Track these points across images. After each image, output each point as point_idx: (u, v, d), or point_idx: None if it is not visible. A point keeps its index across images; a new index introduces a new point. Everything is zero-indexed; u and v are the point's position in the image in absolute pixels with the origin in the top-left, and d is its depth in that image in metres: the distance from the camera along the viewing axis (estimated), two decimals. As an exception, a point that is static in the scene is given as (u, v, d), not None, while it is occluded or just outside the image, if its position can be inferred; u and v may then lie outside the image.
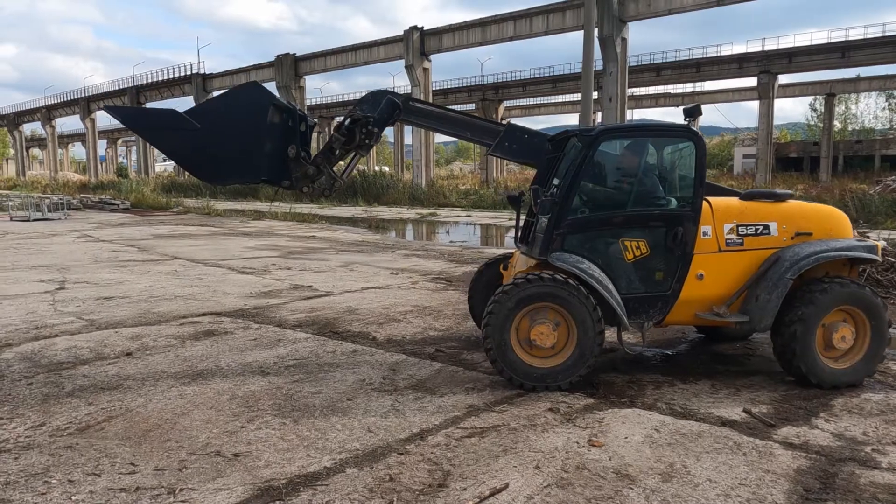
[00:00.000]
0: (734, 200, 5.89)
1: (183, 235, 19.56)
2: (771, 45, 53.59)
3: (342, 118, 6.40)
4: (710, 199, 5.67)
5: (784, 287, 5.32)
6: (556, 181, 5.92)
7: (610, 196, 5.91)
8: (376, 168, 63.49)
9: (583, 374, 5.30)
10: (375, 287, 10.57)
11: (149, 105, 71.39)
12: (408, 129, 71.05)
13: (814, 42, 51.81)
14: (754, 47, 54.72)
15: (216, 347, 6.73)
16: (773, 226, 5.65)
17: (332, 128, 6.97)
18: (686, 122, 5.76)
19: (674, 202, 5.66)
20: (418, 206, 34.91)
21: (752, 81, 59.95)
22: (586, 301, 5.17)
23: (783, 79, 59.20)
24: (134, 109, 5.91)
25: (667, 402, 5.10)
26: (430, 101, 47.92)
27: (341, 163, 6.65)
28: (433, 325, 7.83)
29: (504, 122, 6.70)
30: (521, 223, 6.55)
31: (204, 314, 8.38)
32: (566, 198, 5.48)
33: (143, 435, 4.41)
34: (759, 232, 5.64)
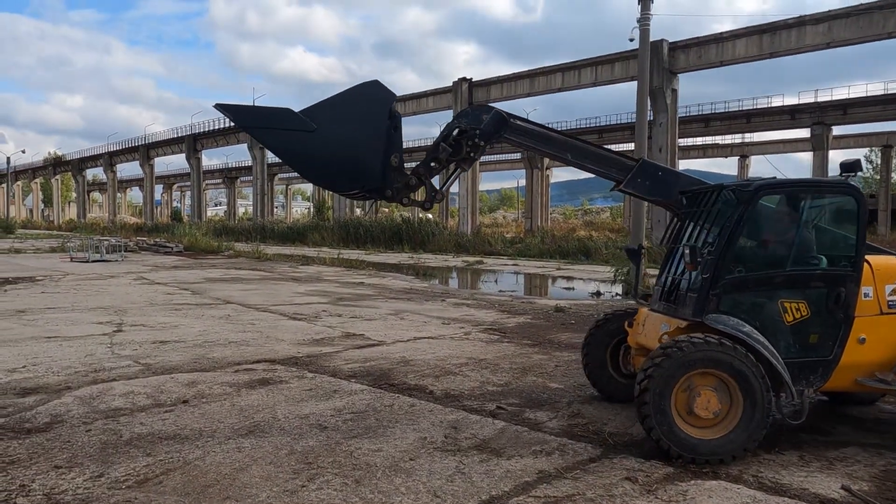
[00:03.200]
0: (894, 259, 5.62)
1: (234, 279, 19.82)
2: (824, 97, 52.74)
3: (442, 131, 6.08)
4: (868, 258, 5.40)
5: None
6: (707, 238, 5.61)
7: (767, 255, 5.66)
8: (420, 215, 64.19)
9: (752, 447, 4.92)
10: (428, 337, 10.37)
11: (204, 152, 74.04)
12: (453, 177, 71.68)
13: (869, 93, 50.80)
14: (806, 98, 53.96)
15: (272, 397, 6.60)
16: None
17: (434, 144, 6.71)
18: (845, 178, 5.52)
19: (830, 261, 5.40)
20: (464, 254, 34.85)
21: (803, 133, 58.98)
22: (755, 368, 4.84)
23: (837, 130, 57.97)
24: (247, 107, 5.62)
25: (753, 474, 4.71)
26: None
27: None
28: (490, 380, 7.56)
29: (637, 158, 6.45)
30: (641, 278, 6.32)
31: (258, 361, 8.30)
32: (723, 256, 5.22)
33: (202, 491, 4.25)
34: None
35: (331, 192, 65.60)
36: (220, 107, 5.43)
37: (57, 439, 5.22)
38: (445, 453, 5.05)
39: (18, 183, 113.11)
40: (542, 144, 6.25)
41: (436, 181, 6.16)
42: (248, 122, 5.67)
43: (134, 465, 4.67)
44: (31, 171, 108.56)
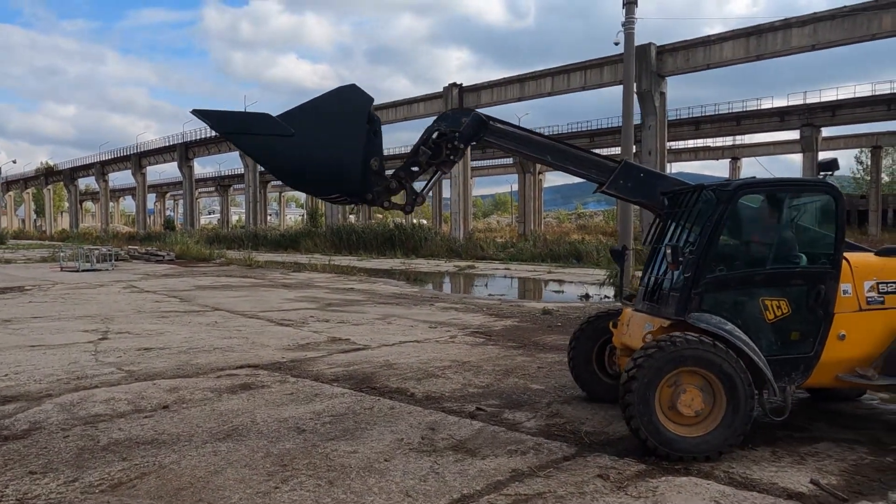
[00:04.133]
0: (871, 256, 5.69)
1: (224, 287, 19.80)
2: (813, 99, 53.12)
3: (422, 134, 6.11)
4: (847, 255, 5.47)
5: None
6: (689, 238, 5.66)
7: (747, 253, 5.74)
8: (414, 220, 64.18)
9: (735, 444, 4.97)
10: (413, 341, 10.40)
11: (196, 160, 73.94)
12: (446, 182, 71.88)
13: (858, 94, 51.21)
14: (796, 100, 54.37)
15: (252, 402, 6.61)
16: None
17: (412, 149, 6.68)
18: (823, 176, 5.61)
19: (810, 259, 5.47)
20: (456, 259, 34.90)
21: (793, 134, 59.34)
22: (737, 365, 4.89)
23: (826, 132, 58.40)
24: (225, 113, 5.49)
25: (724, 469, 4.75)
26: (469, 153, 48.48)
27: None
28: (472, 382, 7.59)
29: (619, 159, 6.50)
30: (625, 279, 6.38)
31: (241, 367, 8.31)
32: (704, 255, 5.28)
33: (175, 494, 4.27)
34: None
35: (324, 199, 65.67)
36: (197, 112, 5.41)
37: (34, 446, 5.23)
38: (421, 454, 5.08)
39: (10, 193, 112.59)
40: (522, 147, 6.30)
41: (433, 185, 6.20)
42: (226, 127, 5.61)
43: (109, 470, 4.69)
44: (22, 182, 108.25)
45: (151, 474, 4.62)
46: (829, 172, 5.70)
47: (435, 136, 5.98)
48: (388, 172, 5.87)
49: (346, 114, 5.51)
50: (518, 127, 6.49)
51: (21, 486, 4.41)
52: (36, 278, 22.23)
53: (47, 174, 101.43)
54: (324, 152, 5.44)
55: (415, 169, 6.02)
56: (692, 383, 4.95)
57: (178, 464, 4.82)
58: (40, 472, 4.67)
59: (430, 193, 6.42)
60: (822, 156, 56.12)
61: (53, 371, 7.94)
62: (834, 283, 5.32)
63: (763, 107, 55.87)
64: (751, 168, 76.66)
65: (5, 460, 4.89)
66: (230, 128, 5.59)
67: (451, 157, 5.97)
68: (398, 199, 6.02)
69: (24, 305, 14.76)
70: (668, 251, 5.21)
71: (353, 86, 5.70)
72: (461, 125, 5.95)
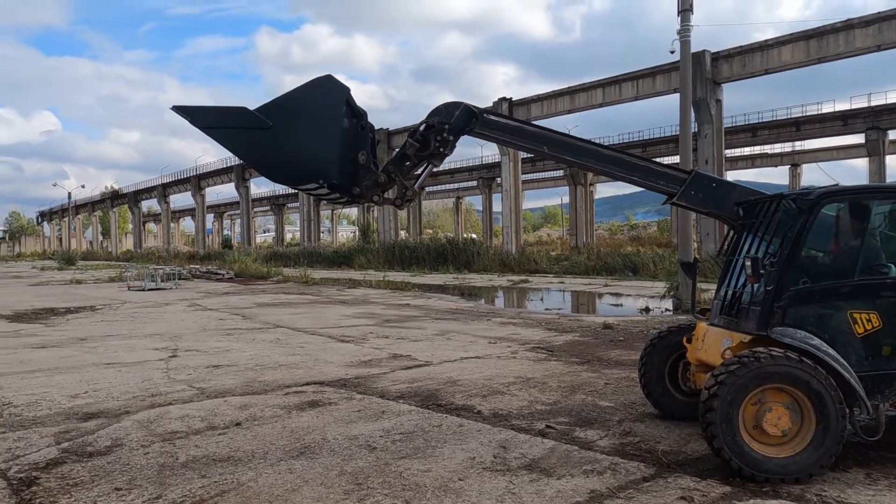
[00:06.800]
0: None
1: (283, 304, 20.18)
2: (878, 101, 51.01)
3: (416, 126, 6.00)
4: None
5: None
6: (768, 249, 5.48)
7: (833, 264, 5.53)
8: (465, 235, 64.13)
9: (826, 466, 4.74)
10: (474, 357, 10.34)
11: (252, 181, 75.93)
12: (497, 195, 71.74)
13: (928, 95, 48.89)
14: (859, 103, 52.30)
15: (321, 419, 6.67)
16: None
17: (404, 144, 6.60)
18: None
19: None
20: (509, 273, 34.70)
21: (857, 138, 57.07)
22: (826, 382, 4.68)
23: (893, 134, 55.86)
24: (202, 108, 5.55)
25: (817, 493, 4.52)
26: (520, 167, 48.35)
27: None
28: (539, 399, 7.48)
29: (689, 169, 6.32)
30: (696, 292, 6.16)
31: (307, 383, 8.41)
32: (786, 267, 5.10)
33: (256, 512, 4.31)
34: None
35: (376, 216, 66.32)
36: (176, 109, 5.44)
37: (117, 462, 5.38)
38: (495, 473, 5.01)
39: (79, 216, 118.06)
40: (516, 138, 6.11)
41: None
42: (204, 122, 5.55)
43: (190, 487, 4.78)
44: (90, 205, 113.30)
45: (231, 492, 4.69)
46: None
47: (422, 128, 5.87)
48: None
49: (321, 105, 5.47)
50: (512, 118, 6.36)
51: (108, 502, 4.53)
52: (106, 297, 23.14)
53: (113, 197, 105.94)
54: (300, 143, 5.41)
55: (407, 163, 5.88)
56: (778, 401, 4.73)
57: (256, 481, 4.88)
58: (125, 488, 4.80)
59: (420, 187, 6.19)
60: (890, 160, 53.77)
61: (129, 388, 8.20)
62: None
63: (824, 111, 53.97)
64: (811, 174, 74.15)
65: (92, 476, 5.05)
66: (208, 122, 5.54)
67: (441, 150, 5.79)
68: (391, 193, 5.91)
69: (97, 324, 15.35)
70: (748, 263, 5.02)
71: (329, 76, 5.64)
72: (452, 117, 5.80)
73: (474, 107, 5.95)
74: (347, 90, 5.58)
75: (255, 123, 5.30)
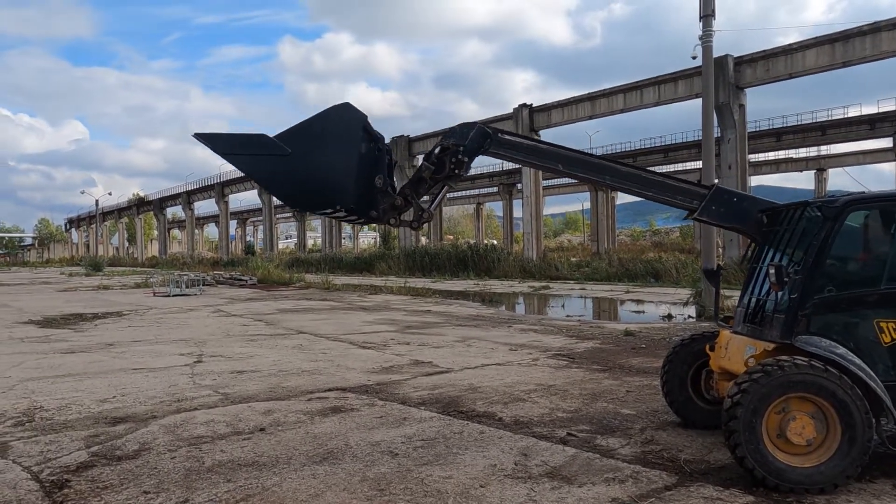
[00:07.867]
0: None
1: (305, 310, 20.36)
2: (906, 104, 50.06)
3: (430, 150, 6.11)
4: None
5: None
6: (792, 257, 5.45)
7: (859, 272, 5.49)
8: (485, 241, 64.06)
9: (852, 476, 4.70)
10: (495, 364, 10.36)
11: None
12: (517, 201, 71.66)
13: (957, 98, 47.88)
14: (887, 106, 51.39)
15: (344, 425, 6.74)
16: None
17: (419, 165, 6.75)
18: None
19: None
20: (530, 279, 34.63)
21: (885, 142, 56.07)
22: (852, 392, 4.65)
23: (923, 138, 54.79)
24: (222, 135, 5.69)
25: (842, 503, 4.47)
26: (541, 173, 48.21)
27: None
28: (560, 406, 7.48)
29: (709, 184, 6.32)
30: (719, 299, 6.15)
31: (330, 389, 8.49)
32: (811, 275, 5.07)
33: (280, 516, 4.38)
34: None
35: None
36: (198, 136, 5.56)
37: (145, 466, 5.50)
38: (516, 480, 5.03)
39: (106, 223, 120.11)
40: (531, 157, 6.19)
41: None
42: (224, 149, 5.68)
43: (216, 491, 4.87)
44: (117, 212, 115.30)
45: (256, 496, 4.77)
46: None
47: (437, 150, 5.98)
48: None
49: (339, 132, 5.58)
50: (527, 137, 6.42)
51: (137, 504, 4.64)
52: (132, 303, 23.54)
53: (139, 204, 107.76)
54: (317, 170, 5.51)
55: (422, 186, 5.99)
56: (803, 410, 4.70)
57: (280, 486, 4.96)
58: (153, 491, 4.90)
59: (437, 209, 6.35)
60: (920, 164, 52.71)
61: (156, 393, 8.36)
62: None
63: (850, 115, 53.15)
64: (837, 179, 72.65)
65: (121, 479, 5.17)
66: (228, 149, 5.68)
67: (457, 171, 5.90)
68: (408, 215, 6.00)
69: (123, 330, 15.63)
70: (773, 271, 4.99)
71: (347, 104, 5.78)
72: (467, 138, 5.90)
73: (489, 127, 6.08)
74: (365, 117, 5.70)
75: (274, 150, 5.43)
